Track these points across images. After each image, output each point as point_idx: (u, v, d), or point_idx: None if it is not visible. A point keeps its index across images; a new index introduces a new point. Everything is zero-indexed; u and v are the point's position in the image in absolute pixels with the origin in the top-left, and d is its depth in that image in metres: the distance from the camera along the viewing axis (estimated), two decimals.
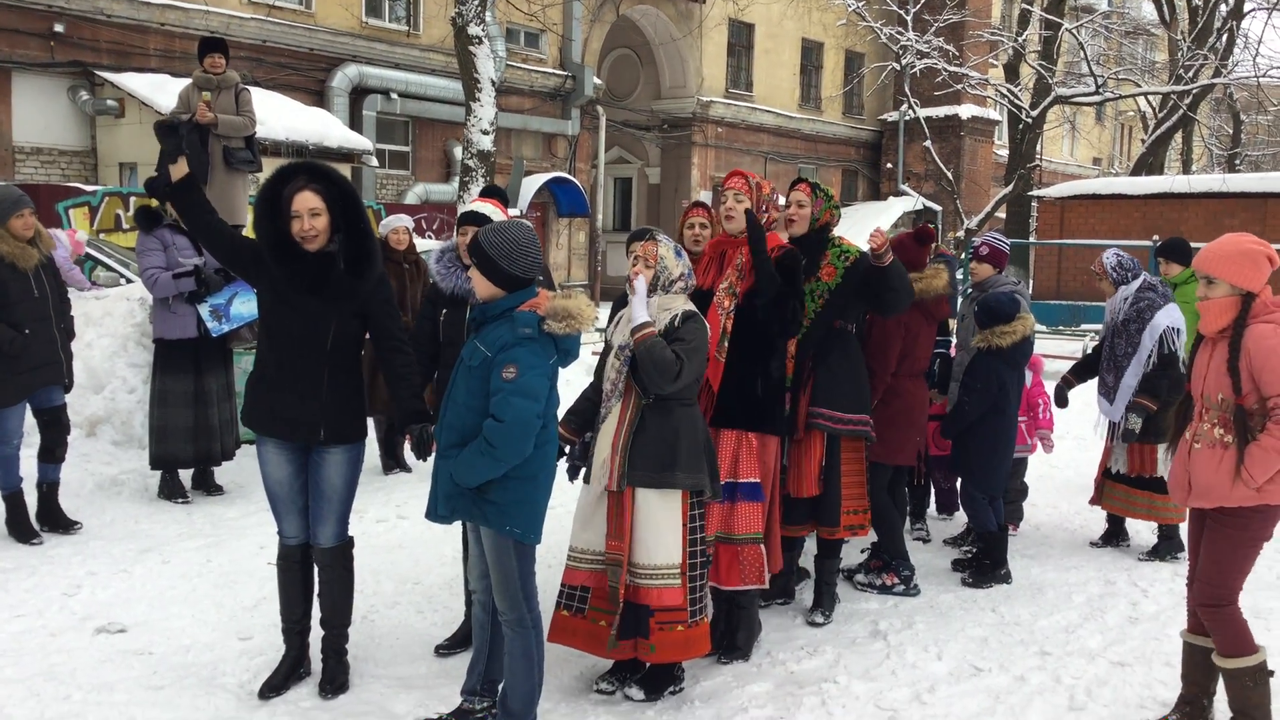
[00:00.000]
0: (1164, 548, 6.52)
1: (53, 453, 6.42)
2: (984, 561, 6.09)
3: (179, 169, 4.33)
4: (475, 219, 4.75)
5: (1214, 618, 4.05)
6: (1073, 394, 6.75)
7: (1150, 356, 6.19)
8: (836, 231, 5.41)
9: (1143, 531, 6.83)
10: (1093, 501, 6.82)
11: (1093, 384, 6.78)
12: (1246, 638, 4.05)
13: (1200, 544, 4.15)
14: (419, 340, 4.92)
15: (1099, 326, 16.48)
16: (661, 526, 4.25)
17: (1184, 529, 6.51)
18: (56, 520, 6.41)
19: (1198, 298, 4.03)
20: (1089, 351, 14.40)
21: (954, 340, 6.90)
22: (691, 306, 4.36)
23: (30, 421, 6.42)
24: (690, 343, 4.21)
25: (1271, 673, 4.09)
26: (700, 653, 4.46)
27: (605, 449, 4.34)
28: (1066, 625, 5.40)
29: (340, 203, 4.18)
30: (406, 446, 4.33)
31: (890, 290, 5.10)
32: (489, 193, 5.83)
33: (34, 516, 6.35)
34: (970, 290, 6.83)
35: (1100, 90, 25.14)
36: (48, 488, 6.43)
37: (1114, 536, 6.81)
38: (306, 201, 4.09)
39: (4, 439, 6.18)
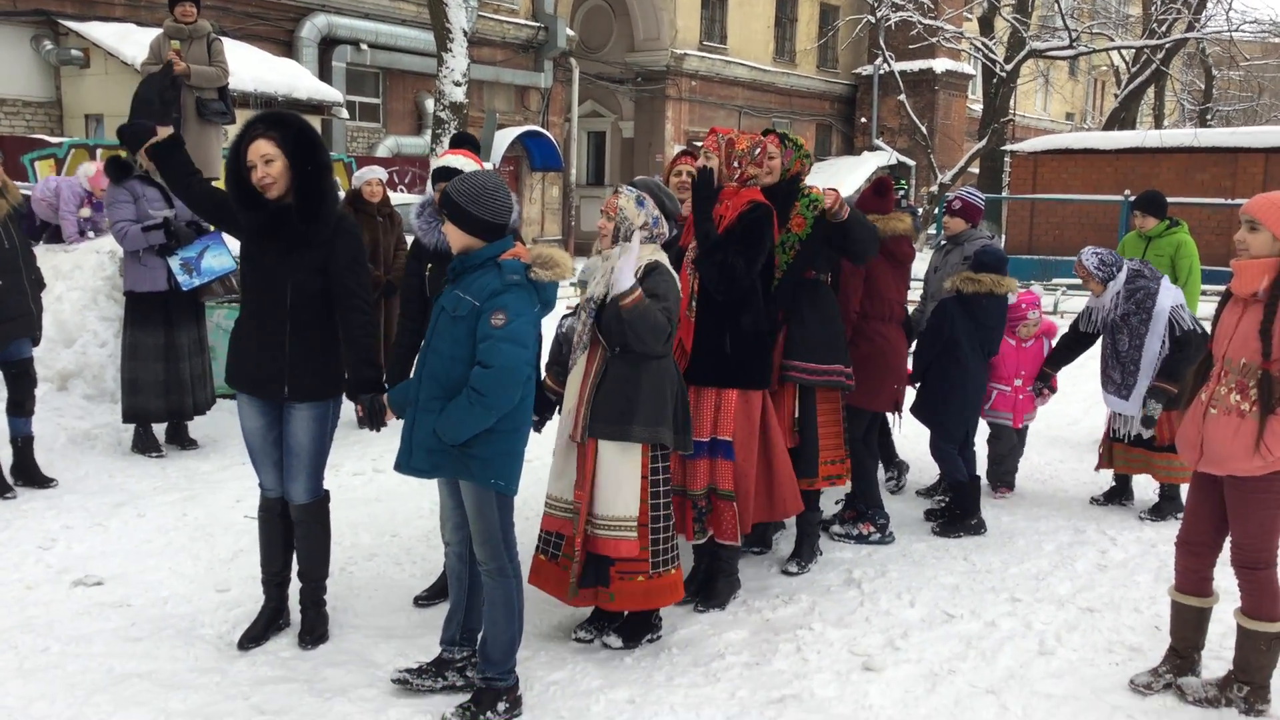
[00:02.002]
0: (1166, 507, 6.44)
1: (22, 406, 6.37)
2: (955, 511, 6.17)
3: (165, 130, 4.34)
4: (448, 174, 4.68)
5: (1251, 580, 3.98)
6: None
7: (1163, 342, 6.08)
8: (809, 182, 5.41)
9: (1147, 490, 6.77)
10: (1099, 467, 6.71)
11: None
12: (1277, 603, 3.98)
13: (1201, 505, 4.08)
14: (408, 297, 4.87)
15: (1069, 281, 16.62)
16: (620, 478, 4.27)
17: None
18: (32, 476, 6.37)
19: (1236, 242, 3.86)
20: (1060, 320, 14.55)
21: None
22: (657, 258, 4.31)
23: None
24: (668, 300, 4.20)
25: None
26: (665, 603, 4.50)
27: (572, 400, 4.36)
28: (1037, 573, 5.49)
29: (295, 148, 4.10)
30: (356, 413, 4.27)
31: (854, 241, 5.14)
32: (459, 141, 5.74)
33: (8, 471, 6.32)
34: (944, 243, 6.87)
35: (1074, 44, 25.18)
36: (22, 442, 6.39)
37: (1119, 494, 6.75)
38: (259, 149, 4.05)
39: None
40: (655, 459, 4.35)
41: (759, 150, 4.92)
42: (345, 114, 18.56)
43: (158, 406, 7.14)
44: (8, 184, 6.23)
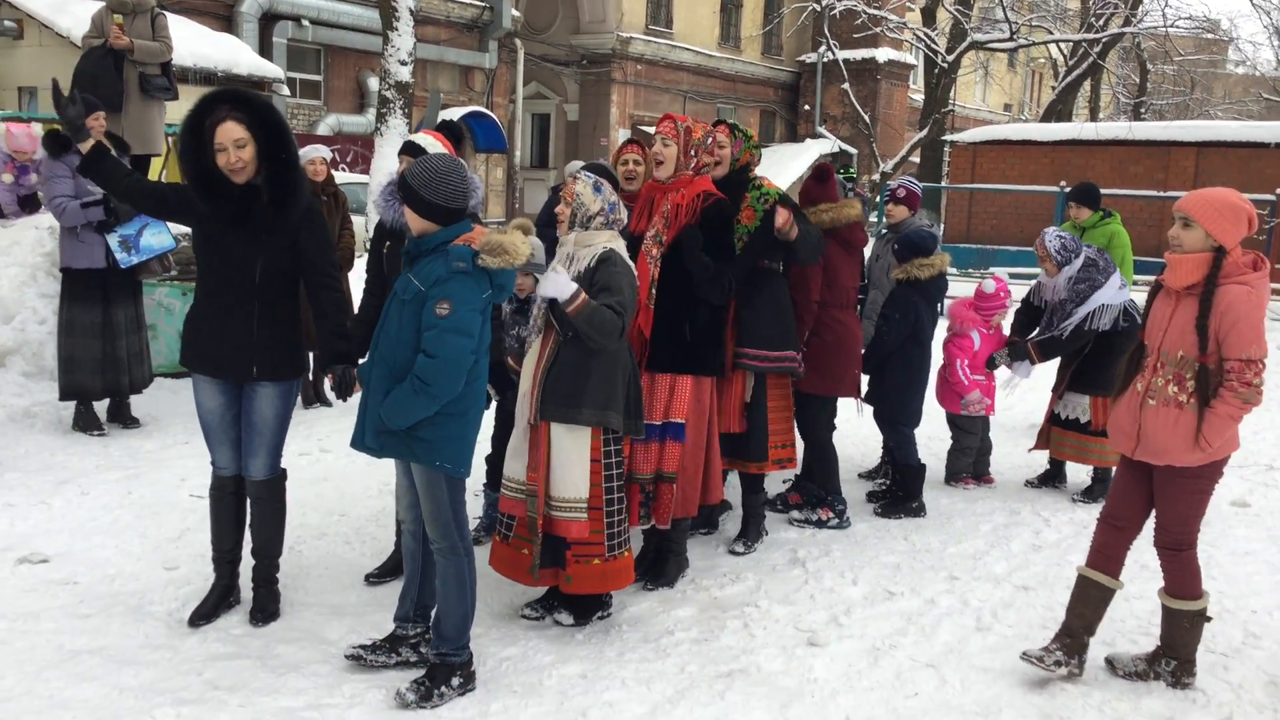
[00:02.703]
0: (1098, 490, 6.58)
1: None
2: (897, 493, 6.32)
3: (87, 142, 4.23)
4: (412, 150, 4.69)
5: (1174, 560, 4.13)
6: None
7: (1070, 327, 6.24)
8: (756, 172, 5.49)
9: (1080, 473, 6.95)
10: (1036, 448, 6.86)
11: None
12: (1197, 582, 4.14)
13: (1131, 486, 4.18)
14: (371, 274, 4.89)
15: (1010, 270, 16.92)
16: (570, 461, 4.31)
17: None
18: None
19: (1170, 237, 3.95)
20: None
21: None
22: (613, 246, 4.33)
23: None
24: (620, 294, 4.21)
25: (1209, 618, 4.20)
26: (620, 585, 4.57)
27: (527, 382, 4.40)
28: (974, 552, 5.65)
29: (264, 131, 4.11)
30: (328, 384, 4.35)
31: (799, 256, 5.30)
32: (441, 129, 5.74)
33: None
34: (885, 231, 6.99)
35: (1014, 37, 25.57)
36: None
37: (1053, 478, 6.92)
38: (230, 133, 4.02)
39: None
40: (607, 442, 4.39)
41: (710, 140, 4.99)
42: (286, 91, 18.34)
43: (95, 384, 7.05)
44: None
